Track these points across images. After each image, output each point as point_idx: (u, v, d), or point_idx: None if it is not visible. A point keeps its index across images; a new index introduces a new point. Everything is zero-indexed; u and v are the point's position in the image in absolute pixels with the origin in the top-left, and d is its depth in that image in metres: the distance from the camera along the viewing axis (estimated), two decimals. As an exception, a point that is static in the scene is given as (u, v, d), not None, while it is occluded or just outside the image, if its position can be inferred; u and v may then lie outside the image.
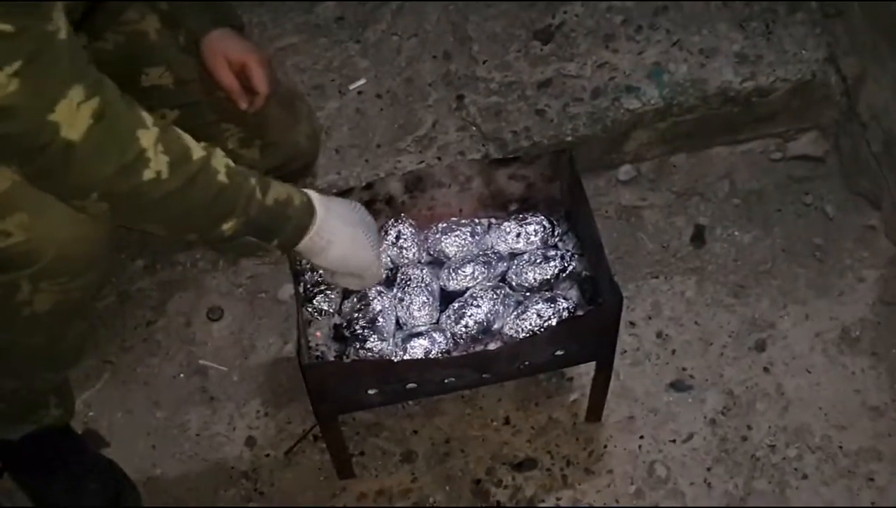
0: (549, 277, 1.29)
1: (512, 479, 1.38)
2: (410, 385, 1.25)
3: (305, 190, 1.07)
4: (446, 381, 1.26)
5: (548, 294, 1.28)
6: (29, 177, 0.90)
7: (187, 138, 0.96)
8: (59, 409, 1.32)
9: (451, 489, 1.38)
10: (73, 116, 0.85)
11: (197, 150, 0.96)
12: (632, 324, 1.51)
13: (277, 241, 1.04)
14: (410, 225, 1.35)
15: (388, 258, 1.34)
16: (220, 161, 0.98)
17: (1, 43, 0.80)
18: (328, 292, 1.29)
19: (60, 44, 0.84)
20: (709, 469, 1.38)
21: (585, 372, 1.43)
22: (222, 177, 0.96)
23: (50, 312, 1.06)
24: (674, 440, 1.40)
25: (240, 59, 1.23)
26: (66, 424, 1.35)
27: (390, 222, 1.35)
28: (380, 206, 1.35)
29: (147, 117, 0.92)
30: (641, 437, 1.41)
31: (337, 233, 1.07)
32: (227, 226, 0.98)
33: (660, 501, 1.35)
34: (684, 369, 1.47)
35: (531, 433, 1.42)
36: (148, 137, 0.91)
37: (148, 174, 0.90)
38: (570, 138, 1.59)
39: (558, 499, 1.36)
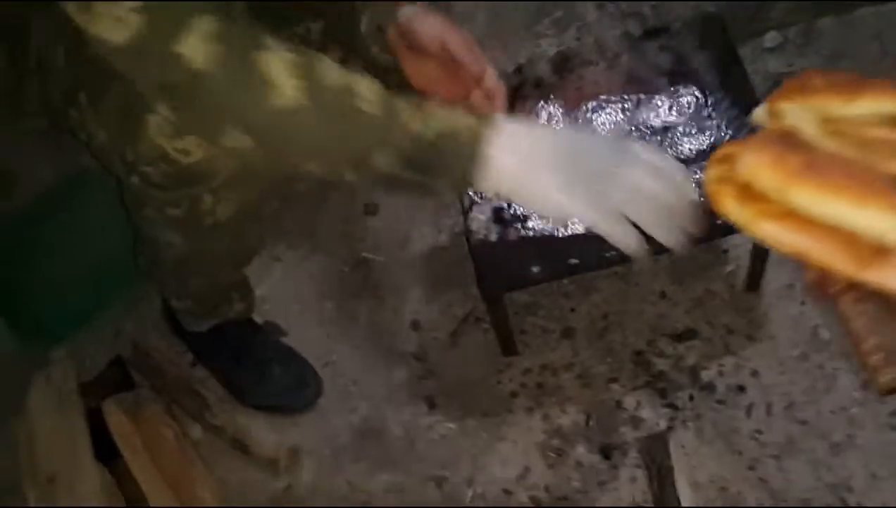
0: (705, 147, 1.29)
1: (673, 349, 1.41)
2: (572, 261, 1.28)
3: (485, 117, 0.89)
4: (607, 254, 1.29)
5: (705, 165, 1.28)
6: (177, 115, 0.91)
7: (328, 64, 0.88)
8: (241, 303, 1.42)
9: (612, 360, 1.42)
10: (197, 45, 0.83)
11: (337, 75, 0.87)
12: (785, 193, 1.50)
13: (443, 179, 0.89)
14: (561, 106, 1.36)
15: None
16: (366, 87, 0.88)
17: None
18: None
19: None
20: (874, 331, 1.37)
21: (740, 244, 1.44)
22: (367, 104, 0.87)
23: (231, 218, 1.11)
24: (836, 304, 1.40)
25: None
26: (249, 317, 1.46)
27: (541, 105, 1.37)
28: (529, 90, 1.37)
29: (272, 42, 0.87)
30: (802, 303, 1.41)
31: (511, 168, 0.88)
32: (379, 159, 0.87)
33: (825, 362, 1.36)
34: (843, 234, 1.46)
35: (689, 305, 1.45)
36: (273, 61, 0.85)
37: (279, 101, 0.85)
38: (712, 9, 1.56)
39: (721, 366, 1.38)
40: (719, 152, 0.74)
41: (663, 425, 1.35)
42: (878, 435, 1.29)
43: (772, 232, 0.67)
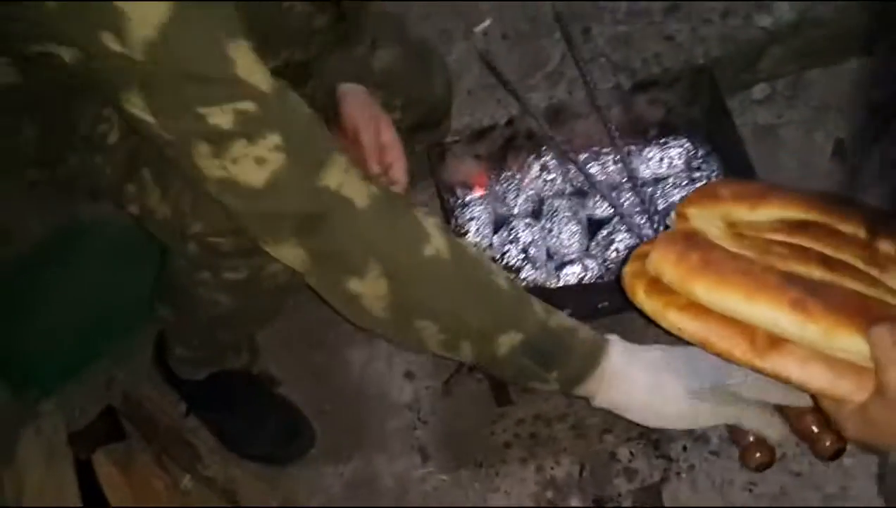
0: (696, 198, 1.31)
1: (666, 399, 1.41)
2: (566, 311, 1.29)
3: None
4: (600, 306, 1.30)
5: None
6: (312, 252, 0.85)
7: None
8: (248, 355, 1.43)
9: (607, 413, 1.41)
10: (343, 177, 0.82)
11: (472, 246, 0.89)
12: (776, 243, 1.51)
13: (557, 373, 0.90)
14: (553, 157, 1.38)
15: (534, 192, 1.38)
16: (497, 265, 0.90)
17: (259, 108, 0.77)
18: (479, 226, 1.34)
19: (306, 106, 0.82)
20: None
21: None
22: (501, 279, 0.88)
23: (287, 282, 1.10)
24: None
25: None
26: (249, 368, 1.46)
27: (533, 157, 1.39)
28: (521, 141, 1.39)
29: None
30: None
31: (632, 380, 0.90)
32: (504, 339, 0.87)
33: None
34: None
35: (681, 355, 1.45)
36: (421, 211, 0.86)
37: (428, 250, 0.84)
38: (701, 61, 1.58)
39: (714, 416, 1.38)
40: (638, 250, 0.81)
41: (657, 476, 1.34)
42: (871, 487, 1.28)
43: (676, 321, 0.73)
